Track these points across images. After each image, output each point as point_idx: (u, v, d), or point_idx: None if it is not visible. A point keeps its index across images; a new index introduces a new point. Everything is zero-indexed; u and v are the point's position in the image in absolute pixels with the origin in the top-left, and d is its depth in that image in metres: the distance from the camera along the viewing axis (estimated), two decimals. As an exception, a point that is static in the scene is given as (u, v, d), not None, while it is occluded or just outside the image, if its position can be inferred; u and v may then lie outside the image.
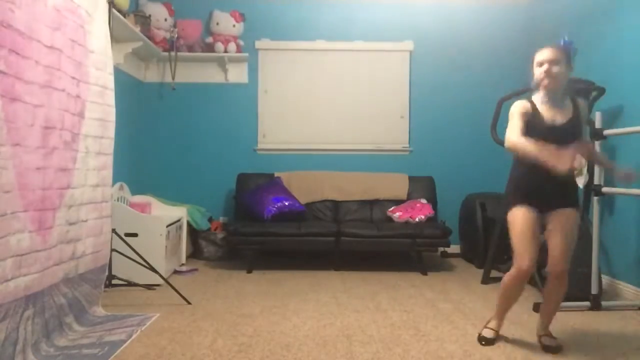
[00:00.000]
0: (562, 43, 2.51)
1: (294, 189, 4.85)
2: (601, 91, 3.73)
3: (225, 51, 5.01)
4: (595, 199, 3.35)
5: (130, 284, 3.52)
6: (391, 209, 4.75)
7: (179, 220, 4.34)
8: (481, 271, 4.08)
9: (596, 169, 3.39)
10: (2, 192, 2.03)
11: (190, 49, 5.01)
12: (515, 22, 5.24)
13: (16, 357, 2.14)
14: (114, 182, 3.51)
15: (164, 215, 4.12)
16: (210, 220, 4.94)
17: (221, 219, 5.11)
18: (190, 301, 3.28)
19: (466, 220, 4.86)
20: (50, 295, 2.45)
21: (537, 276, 3.56)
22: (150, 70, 5.14)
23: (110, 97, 3.12)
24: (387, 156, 5.26)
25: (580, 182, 3.82)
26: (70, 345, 2.45)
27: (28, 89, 2.20)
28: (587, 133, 2.71)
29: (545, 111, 2.49)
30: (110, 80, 3.11)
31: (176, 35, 4.89)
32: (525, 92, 3.96)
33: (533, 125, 2.47)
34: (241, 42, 5.06)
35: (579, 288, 3.31)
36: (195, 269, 4.30)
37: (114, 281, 3.45)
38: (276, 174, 4.98)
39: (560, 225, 2.48)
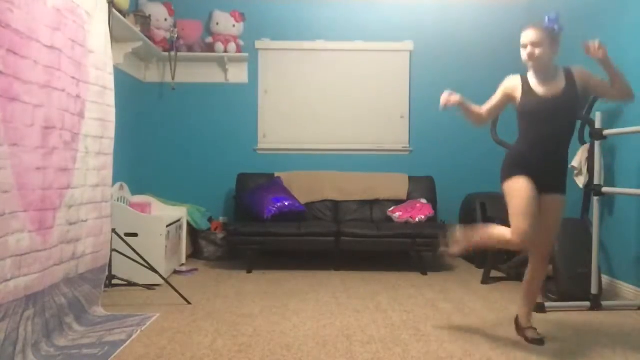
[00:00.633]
0: (546, 21, 2.49)
1: (294, 189, 4.85)
2: (601, 91, 3.72)
3: (225, 51, 5.01)
4: (595, 199, 3.34)
5: (130, 284, 3.52)
6: (391, 209, 4.75)
7: (179, 220, 4.34)
8: (481, 271, 4.08)
9: (596, 169, 3.39)
10: (0, 192, 2.03)
11: (190, 49, 5.01)
12: (515, 22, 5.22)
13: (16, 357, 2.14)
14: (114, 182, 3.51)
15: (164, 215, 4.12)
16: (210, 220, 4.94)
17: (221, 219, 5.11)
18: (190, 301, 3.28)
19: (466, 220, 4.85)
20: (50, 295, 2.45)
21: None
22: (150, 70, 5.13)
23: (110, 97, 3.12)
24: (387, 156, 5.26)
25: (580, 182, 3.82)
26: (71, 345, 2.45)
27: (27, 89, 2.20)
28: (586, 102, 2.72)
29: (537, 85, 2.52)
30: (110, 80, 3.11)
31: (176, 35, 4.89)
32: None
33: (526, 101, 2.52)
34: (241, 42, 5.05)
35: (579, 288, 3.31)
36: (195, 269, 4.30)
37: (114, 281, 3.45)
38: (276, 174, 4.97)
39: (552, 210, 2.54)
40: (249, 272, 4.26)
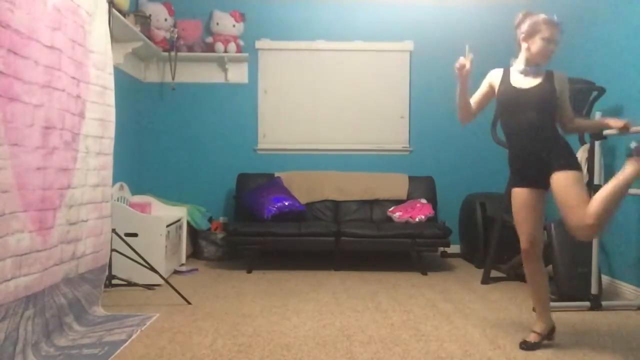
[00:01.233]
0: (557, 21, 2.54)
1: (294, 189, 4.85)
2: (601, 91, 3.73)
3: (225, 51, 5.01)
4: (595, 199, 3.34)
5: (130, 284, 3.52)
6: (391, 209, 4.75)
7: (179, 220, 4.34)
8: (481, 271, 4.08)
9: (596, 169, 3.39)
10: (0, 192, 2.03)
11: (190, 49, 5.01)
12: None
13: (16, 357, 2.14)
14: (114, 182, 3.51)
15: (164, 215, 4.12)
16: (210, 220, 4.94)
17: (221, 219, 5.11)
18: (190, 301, 3.28)
19: (466, 220, 4.86)
20: (50, 295, 2.45)
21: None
22: (150, 70, 5.14)
23: (110, 97, 3.12)
24: (387, 156, 5.26)
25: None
26: (71, 345, 2.45)
27: (27, 89, 2.20)
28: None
29: (516, 79, 2.57)
30: (110, 80, 3.11)
31: (176, 35, 4.89)
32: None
33: (502, 90, 2.58)
34: (241, 42, 5.06)
35: (579, 288, 3.31)
36: (195, 269, 4.30)
37: (114, 281, 3.45)
38: (276, 174, 4.98)
39: (557, 188, 2.40)
40: (249, 272, 4.26)
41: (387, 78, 5.26)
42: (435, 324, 2.93)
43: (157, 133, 5.19)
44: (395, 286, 3.83)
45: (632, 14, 3.61)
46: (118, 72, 3.91)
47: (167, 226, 3.89)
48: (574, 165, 2.44)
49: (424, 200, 4.77)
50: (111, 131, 3.14)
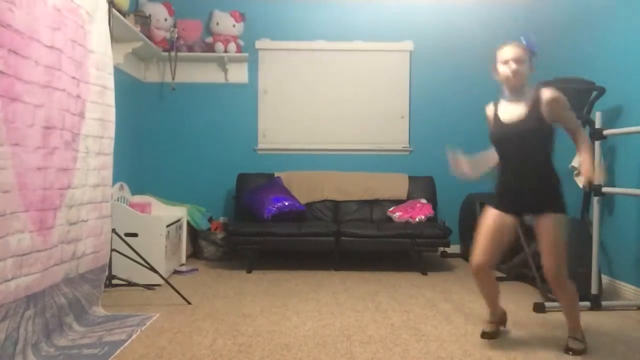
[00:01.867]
0: (524, 42, 2.54)
1: (294, 189, 4.85)
2: (601, 91, 3.73)
3: (225, 51, 5.01)
4: (595, 199, 3.34)
5: (130, 284, 3.52)
6: (391, 209, 4.75)
7: (179, 220, 4.34)
8: (481, 271, 4.08)
9: (596, 169, 3.39)
10: (1, 192, 2.03)
11: (190, 49, 5.01)
12: (515, 22, 5.24)
13: (16, 357, 2.14)
14: (114, 182, 3.51)
15: (164, 215, 4.12)
16: (210, 220, 4.94)
17: (221, 219, 5.11)
18: (190, 301, 3.28)
19: (466, 220, 4.85)
20: (50, 295, 2.45)
21: (537, 277, 3.56)
22: (150, 70, 5.14)
23: (110, 97, 3.12)
24: (387, 156, 5.26)
25: (580, 182, 3.82)
26: (71, 345, 2.45)
27: (28, 88, 2.20)
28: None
29: (504, 110, 2.55)
30: (110, 80, 3.11)
31: (176, 35, 4.89)
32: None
33: (493, 129, 2.60)
34: (241, 42, 5.06)
35: (579, 288, 3.30)
36: (195, 269, 4.30)
37: (114, 281, 3.45)
38: (276, 174, 4.98)
39: (543, 231, 2.46)
40: (249, 272, 4.26)
41: (387, 78, 5.26)
42: (435, 324, 2.93)
43: (157, 133, 5.19)
44: (395, 286, 3.83)
45: (632, 14, 3.61)
46: (118, 72, 3.91)
47: (167, 226, 3.89)
48: (559, 209, 2.46)
49: (424, 200, 4.77)
50: (111, 131, 3.14)
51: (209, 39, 5.03)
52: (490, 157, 2.72)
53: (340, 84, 5.24)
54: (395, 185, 4.98)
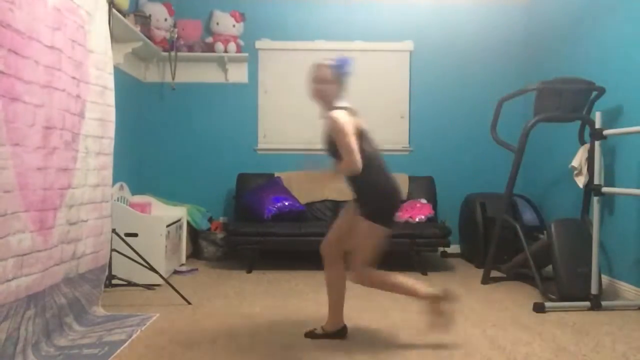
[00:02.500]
0: (335, 62, 2.60)
1: (294, 189, 4.85)
2: (601, 91, 3.73)
3: (225, 51, 5.01)
4: (595, 199, 3.35)
5: (130, 284, 3.52)
6: (391, 209, 4.74)
7: (179, 220, 4.34)
8: (481, 271, 4.08)
9: (596, 169, 3.39)
10: (2, 192, 2.03)
11: (190, 49, 5.00)
12: (515, 22, 5.24)
13: (16, 357, 2.14)
14: (114, 182, 3.51)
15: (164, 215, 4.12)
16: (210, 220, 4.94)
17: (221, 219, 5.11)
18: (190, 301, 3.28)
19: (466, 220, 4.86)
20: (51, 295, 2.45)
21: (537, 276, 3.56)
22: (150, 70, 5.13)
23: (110, 97, 3.13)
24: (387, 156, 5.15)
25: (580, 182, 3.83)
26: (71, 345, 2.45)
27: (28, 88, 2.20)
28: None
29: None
30: (110, 80, 3.11)
31: (176, 35, 4.89)
32: (524, 92, 3.98)
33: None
34: (241, 42, 5.06)
35: (579, 288, 3.31)
36: (195, 269, 4.30)
37: (114, 281, 3.45)
38: (276, 174, 4.97)
39: (354, 231, 2.54)
40: (249, 272, 4.26)
41: (387, 78, 5.26)
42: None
43: (157, 133, 5.18)
44: (395, 286, 3.83)
45: (632, 14, 3.61)
46: (118, 72, 3.91)
47: (167, 226, 3.89)
48: (371, 215, 2.48)
49: (424, 200, 4.77)
50: (111, 131, 3.14)
51: (209, 39, 5.03)
52: None
53: (340, 84, 5.23)
54: (395, 185, 4.97)
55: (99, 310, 2.98)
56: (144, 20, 4.51)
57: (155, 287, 3.60)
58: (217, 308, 3.20)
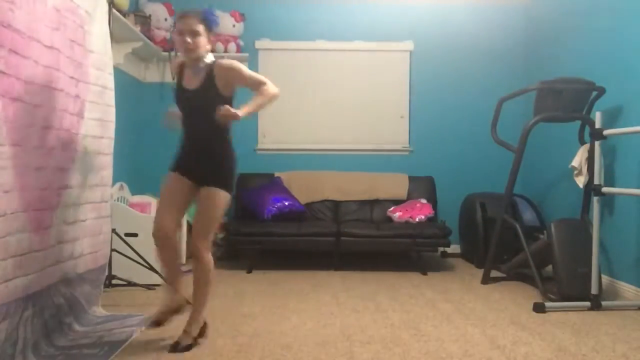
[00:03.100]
0: (203, 13, 2.50)
1: (294, 189, 4.85)
2: (601, 91, 3.73)
3: (225, 51, 5.00)
4: (595, 199, 3.34)
5: (130, 284, 3.52)
6: (391, 209, 4.75)
7: (179, 220, 4.33)
8: (481, 271, 4.08)
9: (596, 169, 3.39)
10: (2, 192, 2.03)
11: (190, 49, 4.99)
12: (514, 22, 5.24)
13: (16, 357, 2.13)
14: (114, 182, 3.51)
15: (164, 215, 4.11)
16: (210, 220, 4.93)
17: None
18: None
19: (466, 220, 4.86)
20: (49, 295, 2.44)
21: (537, 276, 3.56)
22: (150, 70, 5.13)
23: (110, 97, 3.12)
24: (387, 156, 5.26)
25: (580, 182, 3.83)
26: (70, 345, 2.45)
27: (28, 88, 2.20)
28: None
29: (187, 75, 2.55)
30: (110, 80, 3.11)
31: (176, 35, 4.88)
32: (524, 92, 3.98)
33: (176, 87, 2.58)
34: (241, 42, 5.05)
35: (579, 288, 3.31)
36: (195, 269, 4.29)
37: (114, 281, 3.45)
38: (276, 174, 4.98)
39: (202, 202, 2.48)
40: (249, 272, 4.26)
41: (387, 78, 5.26)
42: (435, 324, 2.93)
43: (157, 133, 5.17)
44: (395, 286, 3.83)
45: (632, 14, 3.61)
46: (118, 72, 3.91)
47: (167, 226, 3.88)
48: (223, 185, 2.49)
49: (424, 200, 4.77)
50: (111, 131, 3.14)
51: (209, 39, 5.02)
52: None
53: (340, 84, 5.24)
54: (395, 185, 4.98)
55: (99, 310, 2.98)
56: (144, 20, 4.51)
57: (155, 287, 3.59)
58: (217, 308, 3.20)
